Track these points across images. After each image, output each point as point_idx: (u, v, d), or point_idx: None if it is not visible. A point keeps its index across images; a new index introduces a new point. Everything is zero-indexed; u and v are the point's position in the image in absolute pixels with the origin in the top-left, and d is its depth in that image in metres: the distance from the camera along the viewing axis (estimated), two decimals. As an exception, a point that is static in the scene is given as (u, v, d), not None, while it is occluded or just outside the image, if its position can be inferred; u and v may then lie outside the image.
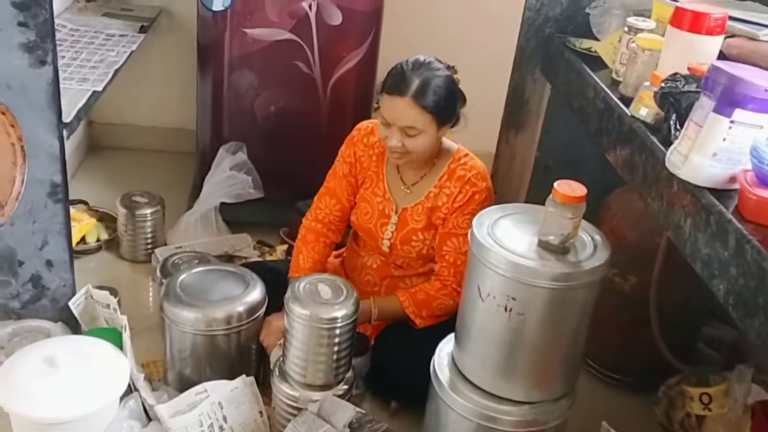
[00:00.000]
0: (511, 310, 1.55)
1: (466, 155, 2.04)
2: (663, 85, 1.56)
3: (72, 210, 2.54)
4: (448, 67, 1.94)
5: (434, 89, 1.87)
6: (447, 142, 2.07)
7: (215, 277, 2.01)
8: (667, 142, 1.49)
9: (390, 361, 1.99)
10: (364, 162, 2.11)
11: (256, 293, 1.96)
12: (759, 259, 1.18)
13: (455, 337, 1.75)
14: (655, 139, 1.57)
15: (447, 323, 1.89)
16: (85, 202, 2.80)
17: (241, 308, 1.90)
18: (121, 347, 1.87)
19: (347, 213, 2.15)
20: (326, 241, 2.15)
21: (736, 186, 1.33)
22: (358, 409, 1.79)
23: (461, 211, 1.98)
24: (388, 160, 2.08)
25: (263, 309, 1.96)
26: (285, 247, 2.63)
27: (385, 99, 1.91)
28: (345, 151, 2.12)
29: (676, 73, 1.56)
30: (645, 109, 1.63)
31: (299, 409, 1.81)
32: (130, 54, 2.58)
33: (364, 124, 2.13)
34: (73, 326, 2.10)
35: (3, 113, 1.79)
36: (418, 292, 2.02)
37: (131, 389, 1.83)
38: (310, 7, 2.53)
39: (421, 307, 2.00)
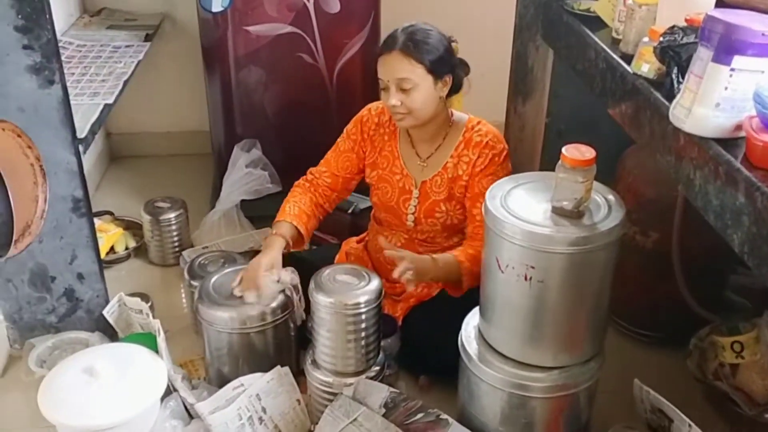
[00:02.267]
0: (531, 278, 1.56)
1: (479, 122, 2.06)
2: (662, 39, 1.55)
3: (98, 221, 2.62)
4: (446, 37, 1.96)
5: (423, 40, 1.89)
6: (458, 113, 2.08)
7: None
8: (671, 97, 1.48)
9: (419, 338, 2.02)
10: (377, 141, 2.13)
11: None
12: (769, 205, 1.18)
13: (480, 309, 1.77)
14: (658, 95, 1.56)
15: (472, 297, 1.91)
16: (110, 213, 2.86)
17: (274, 304, 1.93)
18: (156, 350, 1.93)
19: (337, 184, 2.16)
20: (313, 198, 2.15)
21: (743, 134, 1.32)
22: (392, 389, 1.82)
23: (483, 174, 2.00)
24: (401, 138, 2.10)
25: (293, 303, 1.98)
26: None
27: (378, 62, 1.94)
28: (351, 128, 2.15)
29: (674, 26, 1.56)
30: (646, 65, 1.63)
31: (334, 394, 1.84)
32: (138, 63, 2.62)
33: (374, 104, 2.14)
34: (110, 334, 2.16)
35: (19, 135, 1.82)
36: (468, 247, 1.98)
37: (171, 390, 1.88)
38: (308, -4, 2.54)
39: (474, 264, 1.91)
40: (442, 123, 2.04)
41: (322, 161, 2.20)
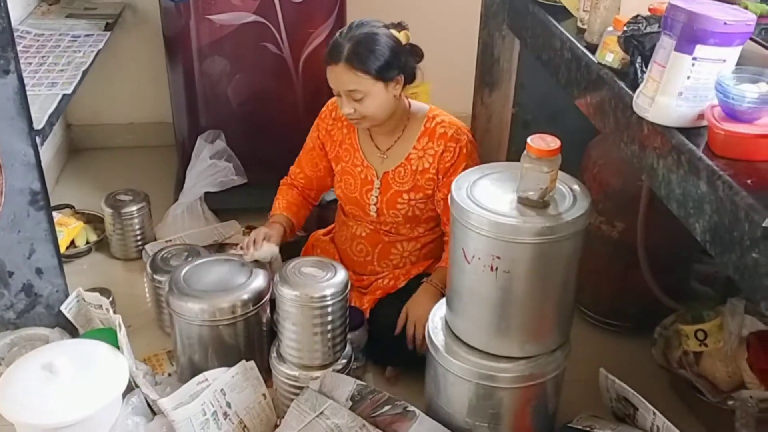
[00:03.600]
0: (497, 269, 1.56)
1: (440, 113, 2.06)
2: (626, 28, 1.56)
3: (58, 215, 2.56)
4: (396, 25, 1.96)
5: (367, 49, 1.88)
6: (417, 104, 2.08)
7: (219, 267, 2.01)
8: (635, 86, 1.48)
9: (386, 330, 2.00)
10: (336, 136, 2.13)
11: (260, 280, 1.95)
12: (731, 194, 1.18)
13: (446, 300, 1.77)
14: (623, 84, 1.56)
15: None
16: (71, 206, 2.80)
17: (246, 296, 1.91)
18: (117, 346, 1.89)
19: (312, 183, 2.23)
20: (297, 192, 2.23)
21: (705, 123, 1.33)
22: (359, 382, 1.81)
23: (454, 170, 1.99)
24: (360, 130, 2.10)
25: (268, 295, 1.96)
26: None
27: (327, 71, 1.94)
28: (313, 128, 2.19)
29: (637, 15, 1.56)
30: (611, 55, 1.63)
31: (301, 388, 1.82)
32: (98, 53, 2.56)
33: (332, 100, 2.14)
34: (71, 330, 2.12)
35: (-27, 127, 1.78)
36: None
37: (133, 386, 1.84)
38: (271, -15, 2.50)
39: None
40: (400, 116, 2.04)
41: (296, 161, 2.24)
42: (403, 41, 1.96)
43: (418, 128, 2.04)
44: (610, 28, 1.65)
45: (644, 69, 1.49)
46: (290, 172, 2.25)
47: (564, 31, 1.91)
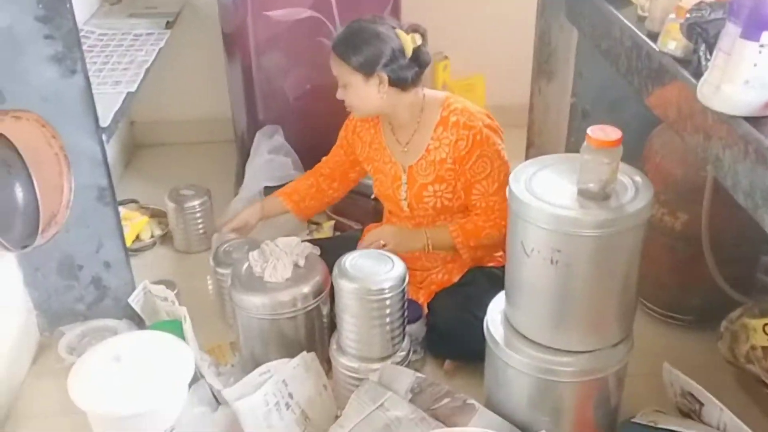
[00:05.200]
0: (557, 262, 1.54)
1: (455, 101, 2.05)
2: (689, 15, 1.51)
3: (123, 210, 2.64)
4: (411, 27, 1.98)
5: (351, 40, 1.96)
6: (433, 93, 2.09)
7: None
8: (699, 74, 1.44)
9: (444, 323, 2.01)
10: (364, 137, 2.19)
11: (319, 272, 1.98)
12: (802, 184, 1.15)
13: (505, 294, 1.76)
14: (686, 73, 1.52)
15: (497, 281, 1.89)
16: (135, 201, 2.88)
17: (306, 289, 1.94)
18: (183, 337, 1.94)
19: (335, 175, 2.31)
20: (315, 182, 2.33)
21: (773, 111, 1.29)
22: (418, 374, 1.82)
23: (468, 157, 2.00)
24: (384, 128, 2.14)
25: (327, 287, 1.98)
26: (332, 223, 2.66)
27: None
28: (343, 127, 2.27)
29: (701, 2, 1.51)
30: (673, 43, 1.59)
31: (360, 380, 1.84)
32: (159, 51, 2.62)
33: None
34: (138, 321, 2.18)
35: (43, 126, 1.83)
36: (467, 222, 2.06)
37: (198, 376, 1.89)
38: (326, -20, 2.52)
39: (469, 238, 2.04)
40: (412, 108, 2.05)
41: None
42: (410, 44, 1.95)
43: (435, 118, 2.04)
44: (672, 16, 1.61)
45: (708, 57, 1.45)
46: (321, 161, 2.34)
47: (624, 19, 1.87)
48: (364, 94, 1.98)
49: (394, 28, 1.97)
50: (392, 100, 2.01)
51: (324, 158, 2.34)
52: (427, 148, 2.05)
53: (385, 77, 1.96)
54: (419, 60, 1.99)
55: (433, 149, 2.04)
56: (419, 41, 1.97)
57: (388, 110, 2.05)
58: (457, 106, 2.03)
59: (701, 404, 1.69)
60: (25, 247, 1.74)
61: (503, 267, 1.76)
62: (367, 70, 1.95)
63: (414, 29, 1.99)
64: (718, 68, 1.35)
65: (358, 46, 1.94)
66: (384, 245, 2.04)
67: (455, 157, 2.02)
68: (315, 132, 2.74)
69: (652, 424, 1.72)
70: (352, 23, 2.00)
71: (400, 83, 1.98)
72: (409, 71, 1.98)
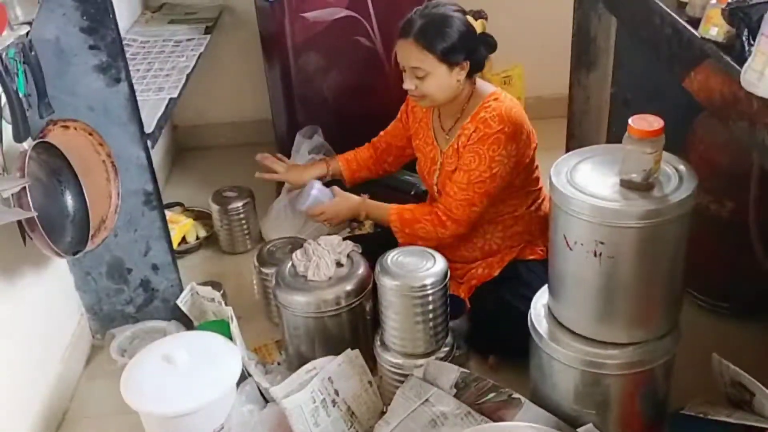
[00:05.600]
0: (601, 254, 1.53)
1: (496, 98, 2.01)
2: (730, 0, 1.49)
3: (169, 213, 2.68)
4: (475, 12, 1.96)
5: (437, 29, 1.90)
6: (484, 86, 2.07)
7: None
8: (742, 60, 1.41)
9: (487, 318, 2.01)
10: (418, 113, 2.20)
11: (362, 270, 2.00)
12: None
13: (549, 287, 1.75)
14: (729, 59, 1.49)
15: (538, 275, 1.89)
16: (180, 204, 2.93)
17: (349, 287, 1.96)
18: (230, 337, 1.97)
19: (391, 149, 2.34)
20: (372, 155, 2.38)
21: (820, 95, 1.26)
22: (463, 370, 1.82)
23: (470, 149, 1.99)
24: (433, 110, 2.13)
25: (370, 285, 2.00)
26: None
27: (396, 45, 1.98)
28: (405, 101, 2.26)
29: (743, -14, 1.48)
30: (715, 29, 1.55)
31: (405, 376, 1.85)
32: (199, 56, 2.67)
33: None
34: (186, 322, 2.23)
35: (90, 134, 1.89)
36: (406, 210, 2.10)
37: (246, 375, 1.92)
38: (361, -22, 2.53)
39: (405, 225, 2.08)
40: (464, 98, 2.04)
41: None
42: (479, 30, 1.95)
43: (474, 110, 2.03)
44: (714, 1, 1.58)
45: (752, 42, 1.42)
46: (378, 135, 2.37)
47: (664, 6, 1.84)
48: (445, 83, 1.95)
49: (464, 13, 1.96)
50: (461, 87, 2.00)
51: (381, 132, 2.37)
52: (458, 135, 2.05)
53: (467, 65, 1.95)
54: (489, 45, 1.99)
55: (457, 137, 2.04)
56: (485, 26, 1.97)
57: (450, 100, 2.02)
58: (493, 103, 2.00)
59: (752, 394, 1.66)
60: (76, 252, 1.80)
61: (544, 260, 1.75)
62: (454, 58, 1.92)
63: (478, 15, 1.97)
64: (762, 53, 1.32)
65: (443, 33, 1.90)
66: (321, 213, 2.15)
67: (464, 144, 2.01)
68: (353, 130, 2.75)
69: (701, 415, 1.70)
70: (424, 10, 1.95)
71: (474, 71, 1.99)
72: (483, 55, 1.98)
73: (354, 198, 2.23)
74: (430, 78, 1.94)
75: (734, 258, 2.11)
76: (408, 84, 1.98)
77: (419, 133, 2.19)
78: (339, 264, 2.00)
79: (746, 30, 1.44)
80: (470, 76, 2.00)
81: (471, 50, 1.94)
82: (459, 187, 2.00)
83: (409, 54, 1.93)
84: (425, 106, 2.10)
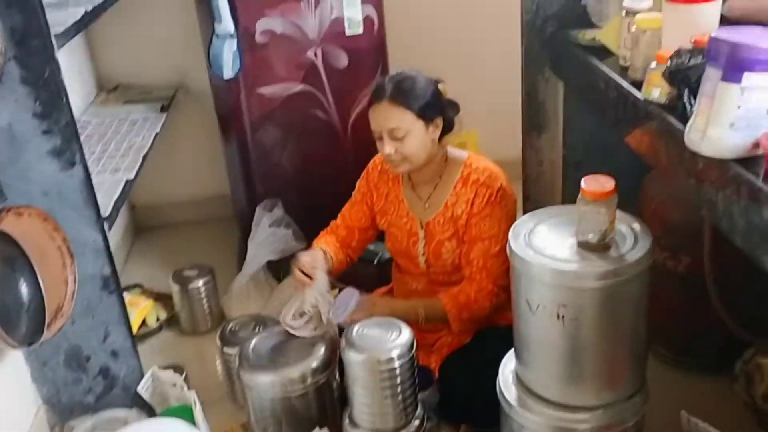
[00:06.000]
0: (563, 317, 1.53)
1: (478, 160, 2.08)
2: (669, 63, 1.54)
3: (128, 295, 2.63)
4: (434, 80, 2.02)
5: (409, 87, 1.95)
6: (455, 151, 2.12)
7: (286, 336, 2.01)
8: (685, 120, 1.46)
9: (456, 388, 1.98)
10: (382, 189, 2.19)
11: (327, 345, 1.96)
12: (797, 222, 1.15)
13: (515, 352, 1.74)
14: (672, 119, 1.54)
15: (509, 341, 1.88)
16: (140, 285, 2.88)
17: (315, 363, 1.92)
18: (194, 423, 1.91)
19: (353, 234, 2.24)
20: (335, 239, 2.23)
21: (761, 151, 1.30)
22: (434, 442, 1.79)
23: (480, 215, 2.02)
24: (403, 182, 2.14)
25: (336, 361, 1.96)
26: (336, 291, 2.64)
27: (369, 113, 2.00)
28: (360, 181, 2.25)
29: (680, 49, 1.54)
30: (657, 90, 1.61)
31: (377, 452, 1.81)
32: (156, 136, 2.66)
33: (378, 156, 2.19)
34: (148, 409, 2.15)
35: (45, 219, 1.86)
36: (459, 294, 2.03)
37: (212, 461, 1.86)
38: (315, 54, 2.58)
39: (462, 310, 2.01)
40: (438, 163, 2.08)
41: (339, 214, 2.27)
42: (445, 92, 2.03)
43: (455, 175, 2.07)
44: (654, 64, 1.64)
45: (692, 102, 1.47)
46: (330, 224, 2.28)
47: (607, 71, 1.90)
48: (422, 141, 1.98)
49: (427, 78, 2.01)
50: (434, 150, 2.03)
51: (335, 222, 2.28)
52: (446, 204, 2.06)
53: (440, 123, 2.00)
54: (454, 106, 2.05)
55: (452, 205, 2.06)
56: (446, 91, 2.03)
57: (426, 162, 2.03)
58: (479, 165, 2.06)
59: (723, 450, 1.66)
60: (32, 343, 1.74)
61: (514, 325, 1.74)
62: (429, 114, 1.96)
63: (436, 82, 2.03)
64: (703, 113, 1.36)
65: (416, 91, 1.95)
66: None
67: (469, 212, 2.03)
68: (313, 202, 2.76)
69: (676, 475, 1.69)
70: (394, 75, 2.00)
71: (446, 130, 2.02)
72: (452, 116, 2.03)
73: (396, 299, 2.19)
74: (409, 137, 1.95)
75: (694, 312, 2.13)
76: (387, 149, 1.96)
77: (388, 209, 2.18)
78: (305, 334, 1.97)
79: (687, 90, 1.50)
80: (441, 138, 2.04)
81: (442, 108, 2.00)
82: (492, 254, 2.00)
83: (386, 115, 1.95)
84: (402, 172, 2.08)
